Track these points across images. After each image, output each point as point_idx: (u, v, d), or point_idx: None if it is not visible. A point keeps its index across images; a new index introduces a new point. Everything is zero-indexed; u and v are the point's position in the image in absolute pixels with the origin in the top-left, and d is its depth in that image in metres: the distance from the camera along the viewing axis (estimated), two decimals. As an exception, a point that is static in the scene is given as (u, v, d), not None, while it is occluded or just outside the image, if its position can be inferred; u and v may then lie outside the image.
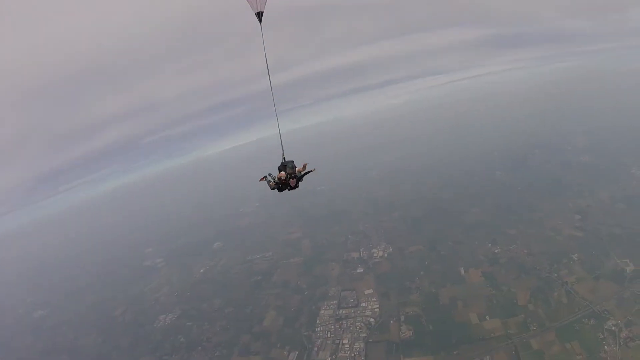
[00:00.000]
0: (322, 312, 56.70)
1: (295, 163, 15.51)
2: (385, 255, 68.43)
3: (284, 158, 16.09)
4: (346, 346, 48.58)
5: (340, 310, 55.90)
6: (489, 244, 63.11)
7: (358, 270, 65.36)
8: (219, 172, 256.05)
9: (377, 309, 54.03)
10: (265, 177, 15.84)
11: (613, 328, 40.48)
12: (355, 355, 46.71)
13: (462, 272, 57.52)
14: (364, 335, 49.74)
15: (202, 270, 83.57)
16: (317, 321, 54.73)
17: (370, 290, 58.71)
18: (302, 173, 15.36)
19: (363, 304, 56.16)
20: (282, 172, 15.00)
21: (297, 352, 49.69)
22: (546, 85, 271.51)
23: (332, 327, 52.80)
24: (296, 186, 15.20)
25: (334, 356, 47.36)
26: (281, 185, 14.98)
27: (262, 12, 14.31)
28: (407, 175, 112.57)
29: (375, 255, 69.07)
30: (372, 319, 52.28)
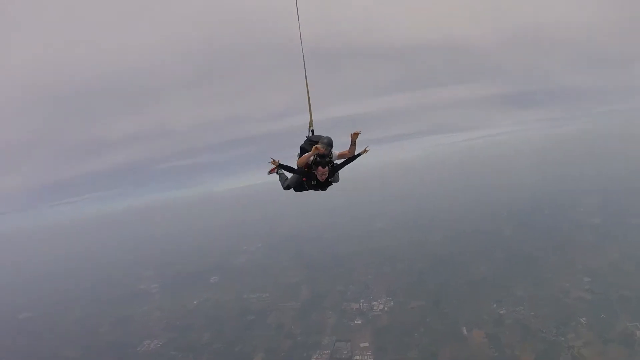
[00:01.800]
0: (312, 360, 54.56)
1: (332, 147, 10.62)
2: (386, 308, 66.00)
3: (312, 131, 11.54)
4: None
5: (332, 362, 53.70)
6: (494, 304, 60.99)
7: (356, 322, 62.77)
8: (226, 208, 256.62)
9: (372, 365, 51.84)
10: (275, 168, 11.49)
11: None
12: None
13: (465, 331, 55.06)
14: (355, 390, 47.49)
15: (195, 302, 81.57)
16: (307, 370, 52.60)
17: (366, 344, 56.19)
18: (344, 160, 10.80)
19: (357, 357, 53.65)
20: (318, 146, 10.19)
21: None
22: (557, 146, 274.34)
23: (321, 378, 50.52)
24: (328, 183, 10.72)
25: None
26: (305, 175, 10.52)
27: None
28: (414, 228, 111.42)
29: (375, 307, 66.62)
30: (364, 375, 50.03)
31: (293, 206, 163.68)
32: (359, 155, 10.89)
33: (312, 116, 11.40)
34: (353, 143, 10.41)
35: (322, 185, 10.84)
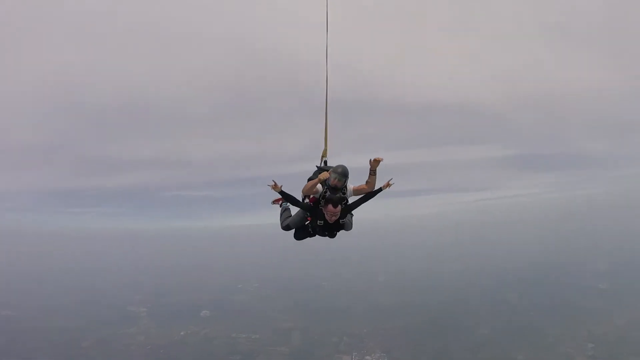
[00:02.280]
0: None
1: (347, 180, 8.77)
2: (378, 364, 63.20)
3: (325, 162, 9.75)
4: None
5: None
6: (495, 369, 58.11)
7: (345, 376, 60.45)
8: (228, 243, 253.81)
9: None
10: (280, 199, 10.07)
11: None
12: None
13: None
14: None
15: (182, 333, 78.79)
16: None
17: (354, 401, 53.77)
18: (360, 197, 9.04)
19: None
20: (325, 173, 8.58)
21: None
22: (570, 209, 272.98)
23: None
24: (337, 226, 8.88)
25: None
26: (311, 212, 8.85)
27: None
28: (416, 285, 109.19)
29: (367, 362, 63.90)
30: None
31: (296, 251, 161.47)
32: (379, 190, 9.12)
33: (328, 144, 9.71)
34: (373, 173, 8.84)
35: (330, 230, 9.02)
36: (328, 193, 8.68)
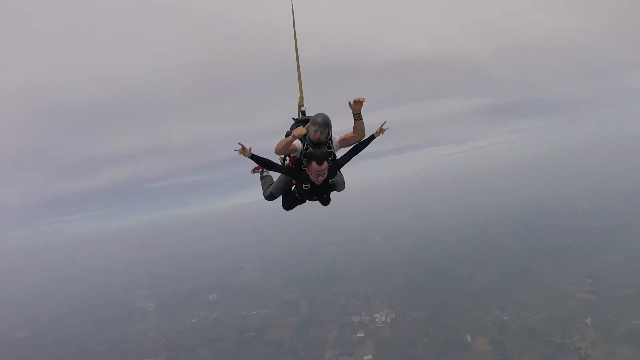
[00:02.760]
0: (315, 375, 53.60)
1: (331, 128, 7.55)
2: (388, 320, 65.28)
3: (304, 112, 8.42)
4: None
5: (336, 375, 52.74)
6: (498, 311, 60.60)
7: (358, 335, 61.99)
8: (222, 226, 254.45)
9: (376, 377, 50.96)
10: (262, 169, 8.99)
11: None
12: None
13: (469, 339, 54.53)
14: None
15: (194, 320, 79.99)
16: (310, 384, 51.54)
17: (370, 356, 55.18)
18: (349, 150, 7.71)
19: (360, 370, 52.93)
20: (300, 129, 7.19)
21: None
22: (550, 154, 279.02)
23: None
24: (328, 188, 7.72)
25: None
26: (294, 176, 7.67)
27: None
28: (411, 241, 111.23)
29: (377, 320, 65.84)
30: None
31: (291, 224, 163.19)
32: (372, 138, 7.62)
33: (303, 91, 8.37)
34: (358, 117, 7.34)
35: (320, 192, 7.73)
36: (310, 148, 7.45)
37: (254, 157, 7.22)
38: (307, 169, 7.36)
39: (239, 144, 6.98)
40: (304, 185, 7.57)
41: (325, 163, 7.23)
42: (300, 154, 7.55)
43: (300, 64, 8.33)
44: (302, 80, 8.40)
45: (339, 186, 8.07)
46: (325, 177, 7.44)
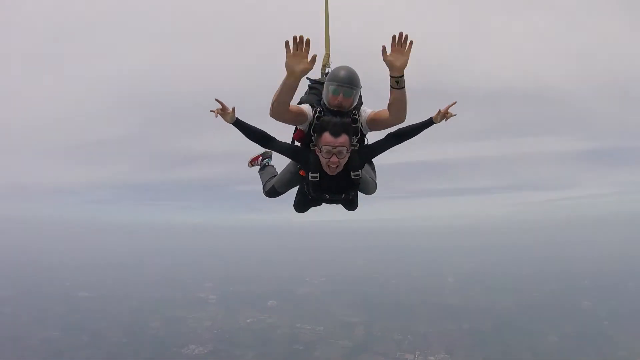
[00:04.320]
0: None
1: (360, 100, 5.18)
2: (441, 365, 59.87)
3: (327, 73, 5.38)
4: None
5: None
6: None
7: (406, 374, 57.76)
8: (298, 238, 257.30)
9: None
10: (259, 156, 6.83)
11: None
12: None
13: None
14: None
15: (248, 320, 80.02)
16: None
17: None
18: (396, 132, 4.91)
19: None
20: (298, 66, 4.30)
21: None
22: None
23: None
24: (349, 185, 5.02)
25: None
26: (296, 157, 5.17)
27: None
28: (486, 287, 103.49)
29: (429, 362, 60.67)
30: None
31: (365, 249, 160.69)
32: (430, 123, 4.89)
33: (330, 48, 5.76)
34: (397, 84, 4.45)
35: (335, 190, 5.06)
36: (323, 114, 4.92)
37: (238, 124, 4.73)
38: (316, 147, 4.70)
39: (217, 100, 4.61)
40: (311, 175, 4.87)
41: (345, 136, 4.58)
42: (310, 125, 4.98)
43: (329, 10, 5.72)
44: (329, 33, 5.75)
45: (368, 186, 5.44)
46: (342, 166, 4.74)
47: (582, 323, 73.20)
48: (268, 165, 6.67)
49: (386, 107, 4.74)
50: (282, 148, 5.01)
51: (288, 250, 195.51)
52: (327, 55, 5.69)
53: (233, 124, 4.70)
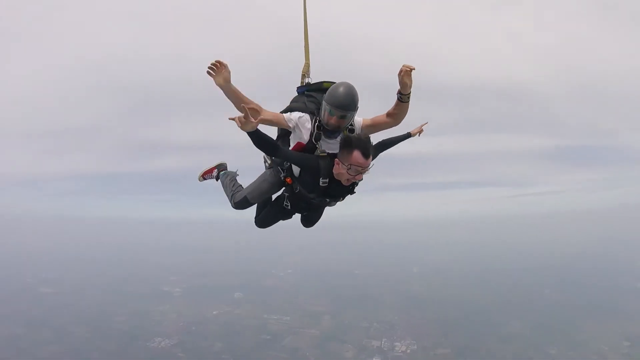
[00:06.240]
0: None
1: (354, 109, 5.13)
2: (408, 351, 61.44)
3: (308, 82, 5.94)
4: None
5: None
6: (524, 360, 55.86)
7: (374, 359, 59.07)
8: (267, 232, 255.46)
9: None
10: (214, 168, 7.16)
11: None
12: None
13: (491, 385, 50.68)
14: None
15: (215, 312, 79.84)
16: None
17: (382, 383, 52.56)
18: (383, 141, 5.93)
19: (371, 396, 50.05)
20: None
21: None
22: (615, 208, 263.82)
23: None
24: (342, 195, 5.53)
25: None
26: (310, 166, 5.07)
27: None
28: (450, 278, 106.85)
29: (397, 348, 62.05)
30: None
31: (331, 241, 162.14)
32: (408, 136, 6.12)
33: (310, 57, 6.09)
34: (405, 98, 5.04)
35: (341, 193, 5.39)
36: (324, 132, 5.24)
37: (255, 134, 4.56)
38: (339, 161, 4.93)
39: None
40: (321, 180, 5.04)
41: (371, 159, 4.90)
42: (311, 135, 5.24)
43: (307, 21, 6.15)
44: (309, 43, 6.14)
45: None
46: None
47: (544, 312, 76.26)
48: (227, 172, 6.86)
49: (384, 113, 5.36)
50: (291, 155, 5.14)
51: (254, 244, 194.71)
52: (307, 65, 6.05)
53: (253, 133, 4.57)
